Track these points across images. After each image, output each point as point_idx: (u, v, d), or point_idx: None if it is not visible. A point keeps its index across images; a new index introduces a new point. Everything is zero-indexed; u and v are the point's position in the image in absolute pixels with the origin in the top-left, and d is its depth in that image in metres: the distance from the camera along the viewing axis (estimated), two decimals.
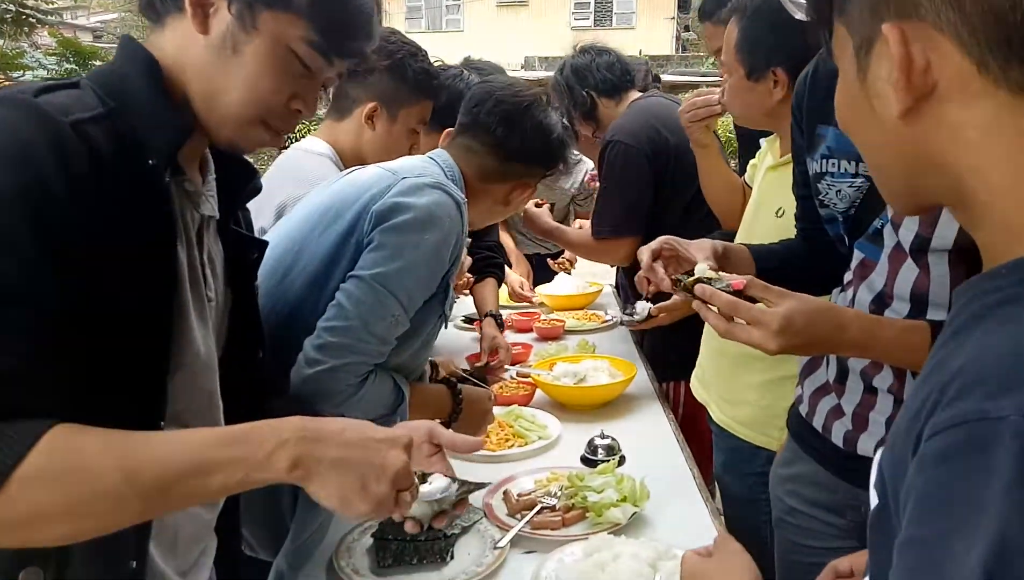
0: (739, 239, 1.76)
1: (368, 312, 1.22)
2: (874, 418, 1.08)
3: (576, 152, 2.94)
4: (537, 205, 2.40)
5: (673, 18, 20.49)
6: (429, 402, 1.40)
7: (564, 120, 1.51)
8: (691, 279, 1.02)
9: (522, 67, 17.52)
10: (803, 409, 1.22)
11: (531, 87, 1.50)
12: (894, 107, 0.53)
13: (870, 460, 1.04)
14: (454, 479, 1.00)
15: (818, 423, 1.17)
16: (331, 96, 1.82)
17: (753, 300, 0.96)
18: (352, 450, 0.78)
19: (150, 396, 0.80)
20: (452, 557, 1.24)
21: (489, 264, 2.44)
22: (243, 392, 1.01)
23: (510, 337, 2.45)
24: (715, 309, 0.98)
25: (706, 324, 1.80)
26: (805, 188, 1.22)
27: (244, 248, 1.01)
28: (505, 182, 1.44)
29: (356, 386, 1.23)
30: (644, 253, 1.16)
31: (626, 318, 1.20)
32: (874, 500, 0.55)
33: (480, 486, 1.08)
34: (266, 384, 1.09)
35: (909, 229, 0.99)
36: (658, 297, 1.21)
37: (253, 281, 1.04)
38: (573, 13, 20.82)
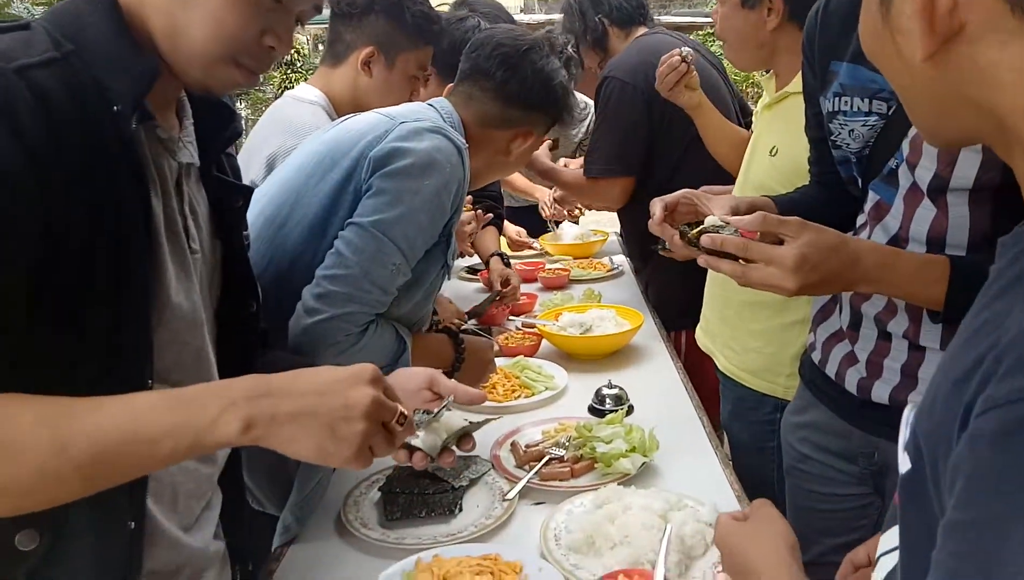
0: (737, 183, 1.72)
1: (368, 260, 1.19)
2: (888, 365, 1.05)
3: (583, 98, 2.89)
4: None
5: None
6: (431, 352, 1.37)
7: (572, 51, 1.46)
8: (696, 230, 0.97)
9: (521, 9, 17.09)
10: (816, 356, 1.19)
11: (532, 33, 1.44)
12: (918, 48, 0.49)
13: (884, 407, 1.03)
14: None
15: (831, 370, 1.14)
16: (326, 41, 1.76)
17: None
18: (307, 398, 0.72)
19: (134, 355, 0.76)
20: (461, 510, 1.24)
21: (490, 212, 2.41)
22: (238, 346, 0.97)
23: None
24: (725, 259, 0.94)
25: (709, 273, 1.76)
26: (818, 130, 1.17)
27: (228, 196, 0.95)
28: (506, 129, 1.39)
29: (356, 336, 1.20)
30: (656, 206, 1.11)
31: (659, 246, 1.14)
32: (905, 464, 0.52)
33: (485, 422, 1.07)
34: (262, 336, 1.05)
35: (926, 168, 0.95)
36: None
37: (241, 230, 0.99)
38: None
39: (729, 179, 1.82)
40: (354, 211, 1.21)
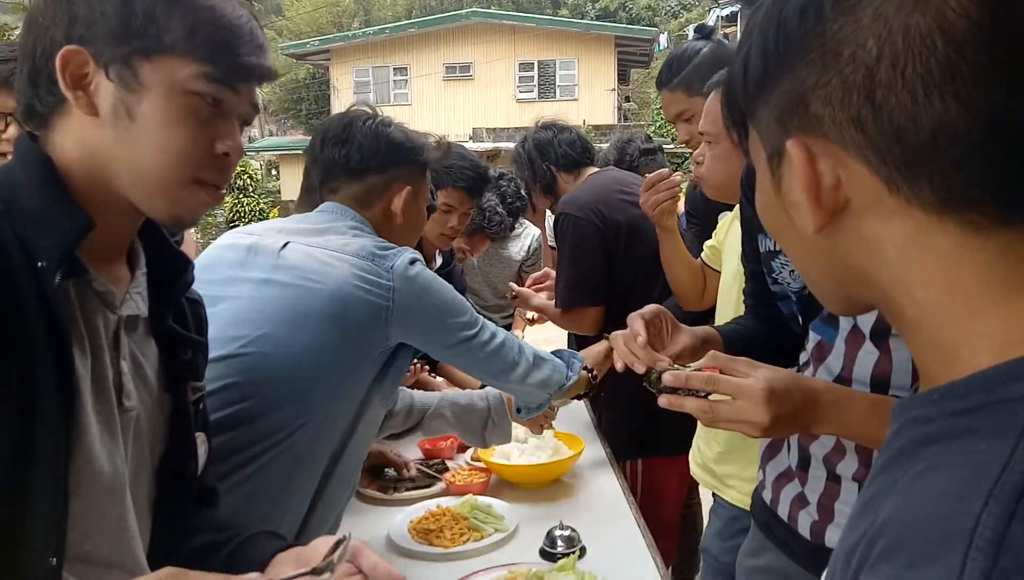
0: (725, 316, 1.73)
1: (490, 332, 1.39)
2: (839, 508, 1.03)
3: (523, 219, 3.00)
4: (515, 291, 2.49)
5: (613, 89, 21.20)
6: None
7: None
8: (657, 371, 0.94)
9: (470, 137, 17.83)
10: (767, 495, 1.17)
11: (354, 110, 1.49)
12: (809, 222, 0.50)
13: None
14: None
15: (783, 512, 1.12)
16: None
17: None
18: None
19: (42, 529, 0.70)
20: None
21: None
22: (174, 508, 0.92)
23: None
24: (689, 397, 0.90)
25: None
26: (756, 262, 1.19)
27: (179, 348, 0.92)
28: (378, 200, 1.41)
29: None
30: (637, 323, 1.04)
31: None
32: None
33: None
34: (207, 495, 1.00)
35: (869, 314, 0.97)
36: None
37: (188, 383, 0.94)
38: (518, 86, 21.43)
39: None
40: (380, 366, 1.30)
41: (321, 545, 0.99)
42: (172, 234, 0.93)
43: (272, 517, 1.17)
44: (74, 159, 0.77)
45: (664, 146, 4.99)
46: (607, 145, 2.98)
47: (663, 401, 0.91)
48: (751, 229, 1.18)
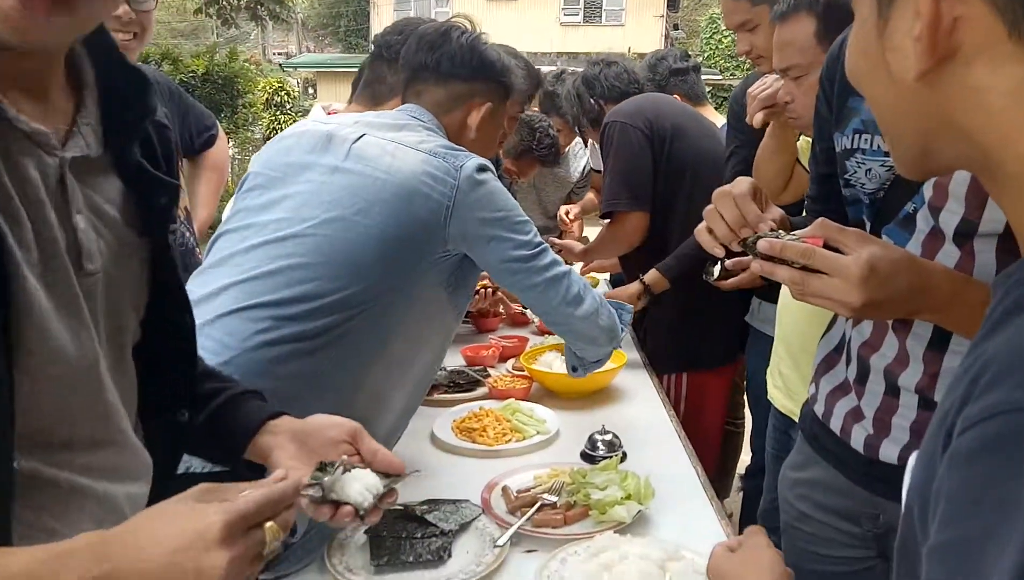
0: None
1: (552, 258, 1.38)
2: (896, 422, 1.02)
3: (582, 141, 2.98)
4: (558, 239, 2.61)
5: (662, 16, 20.45)
6: None
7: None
8: (755, 236, 0.89)
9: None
10: (819, 409, 1.16)
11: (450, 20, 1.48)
12: (912, 67, 0.49)
13: (891, 467, 0.99)
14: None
15: (835, 425, 1.11)
16: (365, 80, 1.73)
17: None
18: (153, 571, 0.61)
19: None
20: (450, 555, 1.19)
21: None
22: (170, 364, 0.85)
23: (506, 331, 2.43)
24: (782, 266, 0.85)
25: (775, 339, 1.62)
26: (826, 165, 1.13)
27: (152, 190, 0.78)
28: (458, 109, 1.42)
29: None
30: (741, 184, 0.96)
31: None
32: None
33: (402, 478, 0.93)
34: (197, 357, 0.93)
35: (953, 212, 0.92)
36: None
37: (167, 229, 0.81)
38: (563, 8, 20.74)
39: None
40: (448, 273, 1.31)
41: (321, 422, 0.96)
42: (207, 128, 0.80)
43: (328, 400, 1.19)
44: None
45: (712, 77, 4.78)
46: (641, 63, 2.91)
47: (755, 266, 0.87)
48: (824, 128, 1.13)
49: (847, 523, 1.12)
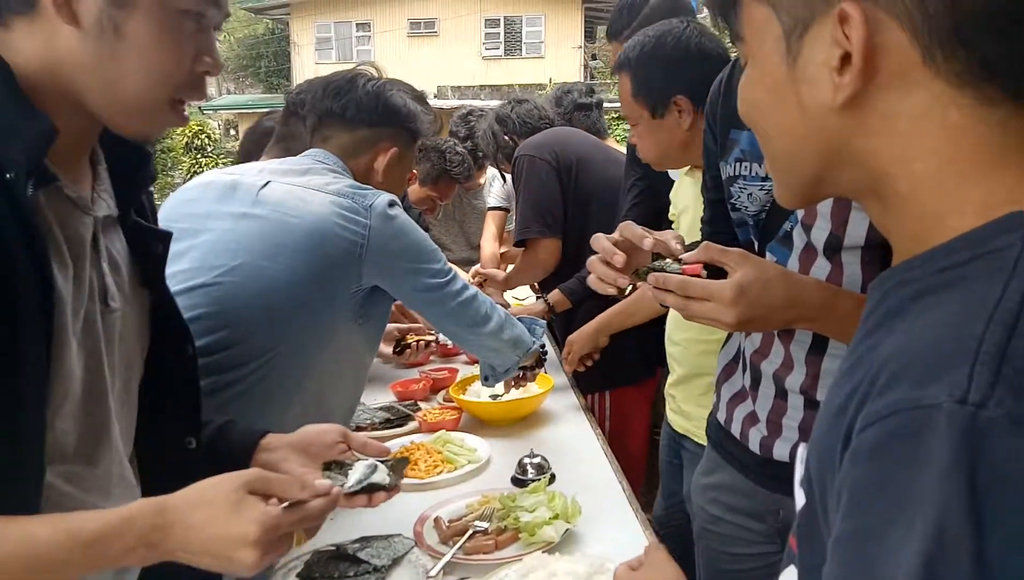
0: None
1: (460, 285, 1.44)
2: (787, 423, 1.10)
3: (494, 168, 3.08)
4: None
5: (580, 47, 21.04)
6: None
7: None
8: (645, 269, 0.97)
9: (435, 96, 17.58)
10: (721, 416, 1.25)
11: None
12: (833, 95, 0.51)
13: (786, 465, 1.08)
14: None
15: (736, 430, 1.19)
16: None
17: (718, 276, 0.92)
18: (198, 552, 0.76)
19: (29, 440, 0.72)
20: None
21: None
22: (178, 393, 0.96)
23: (438, 362, 2.46)
24: (671, 294, 0.92)
25: (670, 371, 1.73)
26: (716, 192, 1.24)
27: (149, 242, 0.92)
28: (364, 154, 1.47)
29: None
30: (600, 240, 1.02)
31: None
32: (800, 499, 0.55)
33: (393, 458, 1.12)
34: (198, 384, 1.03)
35: (822, 229, 1.02)
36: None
37: (164, 275, 0.95)
38: (484, 43, 21.11)
39: None
40: (359, 306, 1.34)
41: (313, 431, 1.09)
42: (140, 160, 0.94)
43: None
44: (36, 64, 0.74)
45: (611, 103, 4.95)
46: (547, 96, 3.06)
47: (651, 294, 0.96)
48: (711, 158, 1.23)
49: (754, 522, 1.20)
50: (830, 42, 0.50)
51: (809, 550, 0.53)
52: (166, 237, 0.95)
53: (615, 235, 1.01)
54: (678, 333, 1.79)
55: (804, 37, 0.53)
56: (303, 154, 1.46)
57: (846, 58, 0.50)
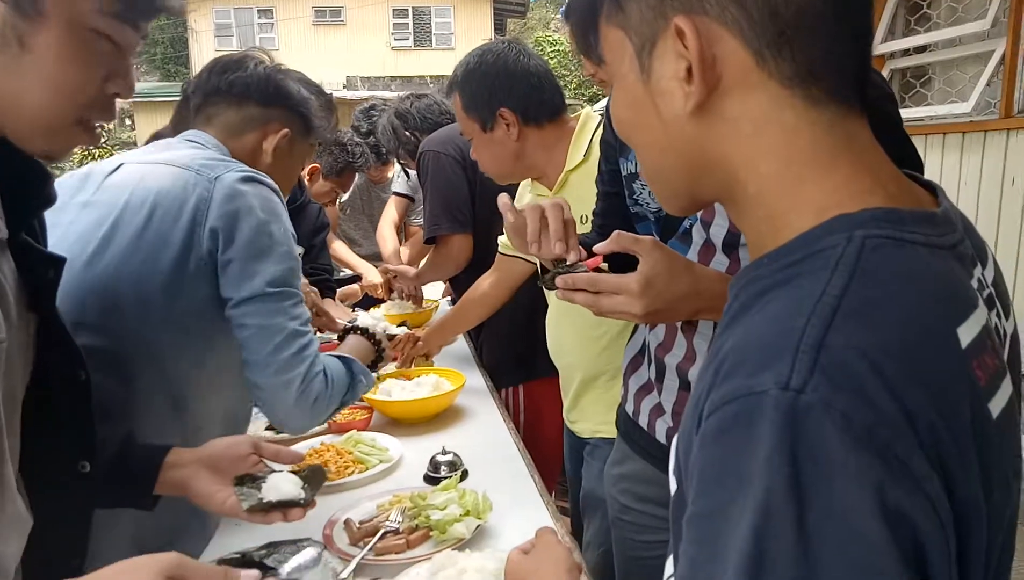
0: None
1: (286, 317, 1.20)
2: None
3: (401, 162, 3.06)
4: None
5: (490, 39, 21.11)
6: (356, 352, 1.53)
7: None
8: (554, 271, 0.99)
9: (344, 86, 17.19)
10: (629, 408, 1.28)
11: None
12: (684, 103, 0.55)
13: None
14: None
15: (643, 421, 1.23)
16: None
17: (621, 269, 0.94)
18: None
19: None
20: None
21: (322, 284, 2.53)
22: (70, 417, 0.91)
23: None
24: (579, 292, 0.95)
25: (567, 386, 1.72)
26: (612, 185, 1.27)
27: (39, 266, 0.85)
28: (252, 132, 1.34)
29: (322, 378, 1.24)
30: (510, 213, 1.09)
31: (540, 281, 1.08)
32: (674, 486, 0.59)
33: (321, 472, 1.11)
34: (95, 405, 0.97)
35: (720, 226, 1.06)
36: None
37: (54, 301, 0.89)
38: (392, 33, 20.80)
39: None
40: (206, 281, 1.15)
41: (222, 444, 1.06)
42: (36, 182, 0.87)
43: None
44: None
45: None
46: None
47: (559, 295, 0.98)
48: (609, 153, 1.27)
49: (664, 510, 1.23)
50: (675, 56, 0.54)
51: (678, 535, 0.57)
52: (59, 262, 0.89)
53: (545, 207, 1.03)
54: (565, 343, 1.82)
55: (652, 53, 0.57)
56: (180, 136, 1.33)
57: (691, 69, 0.54)
